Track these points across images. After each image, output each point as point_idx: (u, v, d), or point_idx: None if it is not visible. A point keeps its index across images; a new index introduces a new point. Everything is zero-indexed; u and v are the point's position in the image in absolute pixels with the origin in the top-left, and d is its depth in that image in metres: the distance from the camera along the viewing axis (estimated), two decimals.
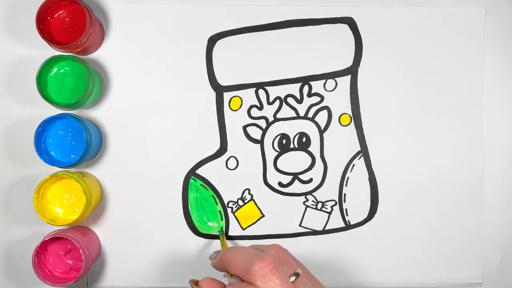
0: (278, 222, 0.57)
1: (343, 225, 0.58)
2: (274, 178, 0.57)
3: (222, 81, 0.57)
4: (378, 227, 0.58)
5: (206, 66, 0.57)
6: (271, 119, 0.57)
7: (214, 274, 0.57)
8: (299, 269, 0.40)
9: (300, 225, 0.58)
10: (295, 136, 0.57)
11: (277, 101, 0.57)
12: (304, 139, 0.57)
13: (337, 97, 0.57)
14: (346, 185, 0.57)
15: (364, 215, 0.58)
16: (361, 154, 0.58)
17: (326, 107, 0.57)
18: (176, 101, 0.57)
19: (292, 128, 0.57)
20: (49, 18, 0.53)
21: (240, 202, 0.57)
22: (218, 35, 0.57)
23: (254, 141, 0.57)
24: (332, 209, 0.57)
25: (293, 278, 0.39)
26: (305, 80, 0.57)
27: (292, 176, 0.57)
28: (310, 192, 0.57)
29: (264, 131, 0.57)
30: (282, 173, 0.57)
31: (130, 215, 0.57)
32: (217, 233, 0.57)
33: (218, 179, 0.57)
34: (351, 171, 0.58)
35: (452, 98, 0.58)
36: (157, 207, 0.57)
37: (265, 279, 0.37)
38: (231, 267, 0.40)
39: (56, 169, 0.54)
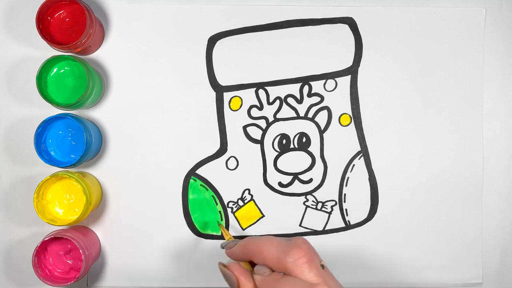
0: (278, 222, 0.57)
1: (343, 225, 0.58)
2: (274, 178, 0.57)
3: (222, 81, 0.57)
4: (378, 227, 0.58)
5: (206, 66, 0.57)
6: (271, 119, 0.57)
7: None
8: (323, 261, 0.39)
9: (300, 225, 0.58)
10: (295, 136, 0.57)
11: (277, 101, 0.57)
12: (304, 139, 0.57)
13: (337, 97, 0.57)
14: (346, 185, 0.57)
15: (364, 215, 0.58)
16: (361, 154, 0.58)
17: (326, 107, 0.57)
18: (176, 101, 0.57)
19: (292, 128, 0.57)
20: (49, 18, 0.53)
21: (240, 202, 0.57)
22: (218, 35, 0.57)
23: (254, 141, 0.57)
24: (332, 209, 0.57)
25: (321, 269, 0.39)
26: (305, 80, 0.57)
27: (292, 176, 0.57)
28: (310, 192, 0.57)
29: (264, 131, 0.57)
30: (282, 173, 0.57)
31: (130, 215, 0.57)
32: (218, 233, 0.57)
33: (218, 179, 0.57)
34: (351, 171, 0.58)
35: (452, 98, 0.58)
36: (157, 207, 0.57)
37: (302, 270, 0.37)
38: (259, 256, 0.39)
39: (56, 169, 0.54)
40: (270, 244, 0.39)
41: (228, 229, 0.57)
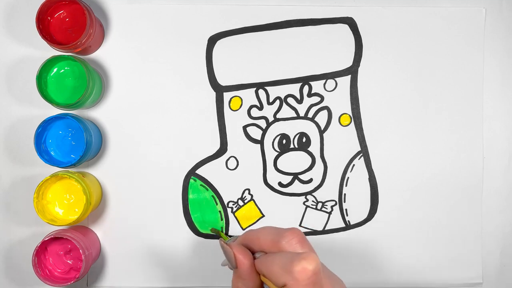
0: (278, 222, 0.57)
1: (343, 225, 0.58)
2: (274, 178, 0.57)
3: (222, 81, 0.57)
4: (378, 227, 0.58)
5: (206, 66, 0.57)
6: (271, 119, 0.57)
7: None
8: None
9: (300, 225, 0.58)
10: (295, 136, 0.57)
11: (277, 101, 0.57)
12: (304, 139, 0.57)
13: (337, 97, 0.57)
14: (346, 185, 0.57)
15: (364, 215, 0.58)
16: (361, 154, 0.58)
17: (326, 107, 0.57)
18: (176, 101, 0.57)
19: (292, 128, 0.57)
20: (49, 18, 0.53)
21: (240, 202, 0.57)
22: (218, 35, 0.57)
23: (254, 141, 0.57)
24: (332, 209, 0.57)
25: None
26: (305, 80, 0.57)
27: (292, 176, 0.57)
28: (310, 192, 0.57)
29: (264, 131, 0.57)
30: (282, 173, 0.57)
31: (130, 215, 0.57)
32: (214, 233, 0.57)
33: (218, 179, 0.57)
34: (351, 171, 0.58)
35: (452, 98, 0.58)
36: (157, 207, 0.57)
37: (295, 248, 0.38)
38: (257, 243, 0.40)
39: (56, 169, 0.54)
40: (266, 230, 0.40)
41: (228, 230, 0.57)
